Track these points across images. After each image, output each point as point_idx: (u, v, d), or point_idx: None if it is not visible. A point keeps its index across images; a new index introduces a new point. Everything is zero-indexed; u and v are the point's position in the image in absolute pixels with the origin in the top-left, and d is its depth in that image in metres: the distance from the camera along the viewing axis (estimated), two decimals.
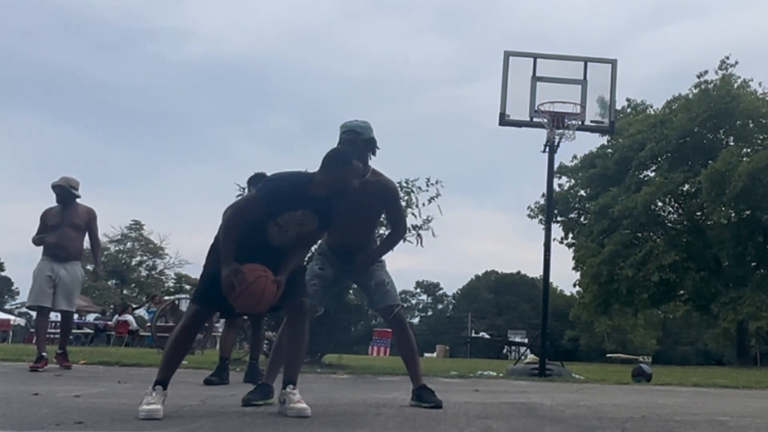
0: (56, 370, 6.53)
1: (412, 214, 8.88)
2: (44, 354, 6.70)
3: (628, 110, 29.37)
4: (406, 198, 8.93)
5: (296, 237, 3.48)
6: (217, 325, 17.56)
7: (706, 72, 26.18)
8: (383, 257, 4.14)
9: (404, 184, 8.97)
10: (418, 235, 8.79)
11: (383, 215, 4.25)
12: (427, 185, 8.91)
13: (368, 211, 4.05)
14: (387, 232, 4.36)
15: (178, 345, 3.44)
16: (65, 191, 7.12)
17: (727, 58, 25.90)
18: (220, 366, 5.83)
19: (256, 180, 5.85)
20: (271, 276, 3.28)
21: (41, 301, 6.90)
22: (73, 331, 22.96)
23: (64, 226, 7.04)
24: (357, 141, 3.89)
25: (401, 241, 4.31)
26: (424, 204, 8.89)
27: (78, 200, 7.20)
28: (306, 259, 7.38)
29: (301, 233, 3.48)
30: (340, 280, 4.17)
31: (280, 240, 3.46)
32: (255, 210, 3.38)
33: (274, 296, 3.30)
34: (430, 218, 8.87)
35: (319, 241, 4.11)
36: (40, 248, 7.10)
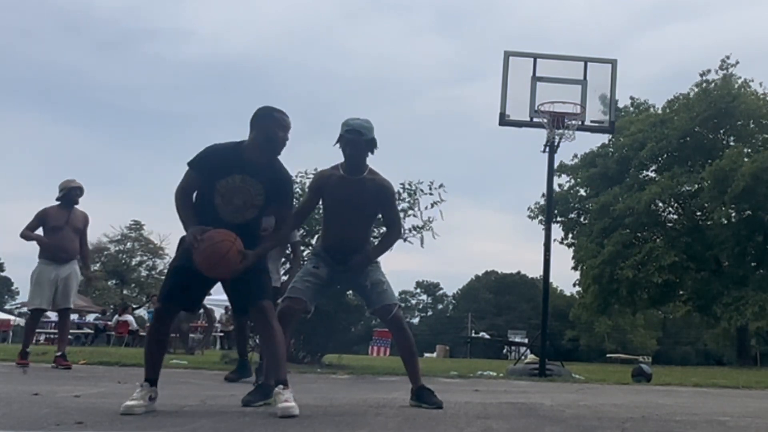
0: (48, 370, 6.54)
1: (414, 215, 8.92)
2: (28, 350, 7.04)
3: (631, 109, 29.36)
4: (409, 200, 8.97)
5: (245, 207, 3.44)
6: (217, 325, 17.65)
7: (708, 71, 26.22)
8: (378, 258, 4.12)
9: (407, 186, 9.01)
10: (420, 235, 8.82)
11: (379, 216, 4.24)
12: (431, 189, 8.94)
13: (364, 210, 4.02)
14: (382, 233, 4.36)
15: (151, 345, 3.47)
16: (82, 194, 7.16)
17: (728, 57, 25.95)
18: (240, 363, 6.29)
19: None
20: (239, 245, 3.29)
21: (42, 304, 6.96)
22: (73, 331, 23.00)
23: (67, 228, 7.02)
24: (360, 141, 3.89)
25: (397, 242, 4.30)
26: (426, 207, 8.94)
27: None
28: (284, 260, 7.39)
29: (247, 202, 3.45)
30: (334, 281, 4.11)
31: (229, 212, 3.43)
32: (192, 178, 3.42)
33: (236, 264, 3.29)
34: (431, 219, 8.90)
35: (315, 243, 4.10)
36: (36, 249, 7.07)
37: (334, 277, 4.03)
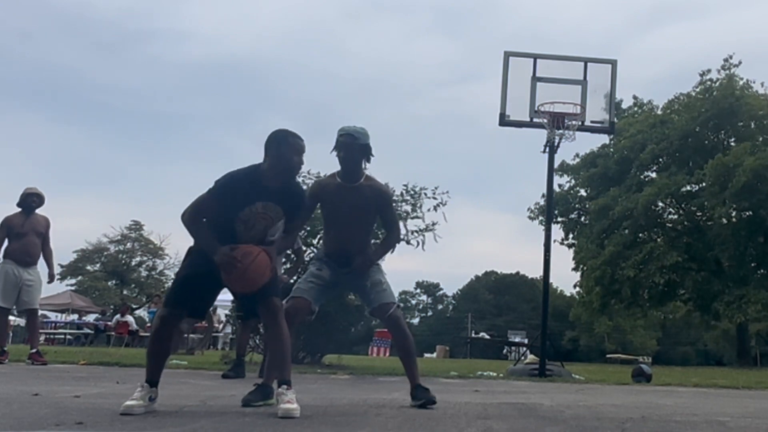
0: (48, 370, 6.54)
1: (417, 217, 8.93)
2: (5, 349, 7.54)
3: (635, 109, 29.33)
4: (412, 203, 8.99)
5: (266, 230, 3.49)
6: (217, 325, 17.65)
7: (708, 71, 26.20)
8: (380, 260, 4.15)
9: (410, 189, 9.02)
10: (422, 237, 8.83)
11: (378, 220, 4.29)
12: (434, 194, 8.94)
13: (361, 216, 4.07)
14: (382, 236, 4.39)
15: (154, 349, 3.47)
16: (42, 200, 7.60)
17: (731, 57, 25.91)
18: (236, 362, 6.63)
19: None
20: (271, 262, 3.36)
21: (5, 303, 7.37)
22: (73, 331, 23.06)
23: (30, 233, 7.45)
24: (354, 144, 3.94)
25: (397, 244, 4.33)
26: (429, 210, 8.94)
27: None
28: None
29: (267, 226, 3.50)
30: (337, 283, 4.15)
31: (250, 237, 3.47)
32: (209, 207, 3.41)
33: (267, 277, 3.34)
34: (434, 222, 8.91)
35: (318, 248, 4.17)
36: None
37: (337, 279, 4.08)
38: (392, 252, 4.25)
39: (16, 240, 7.38)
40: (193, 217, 3.40)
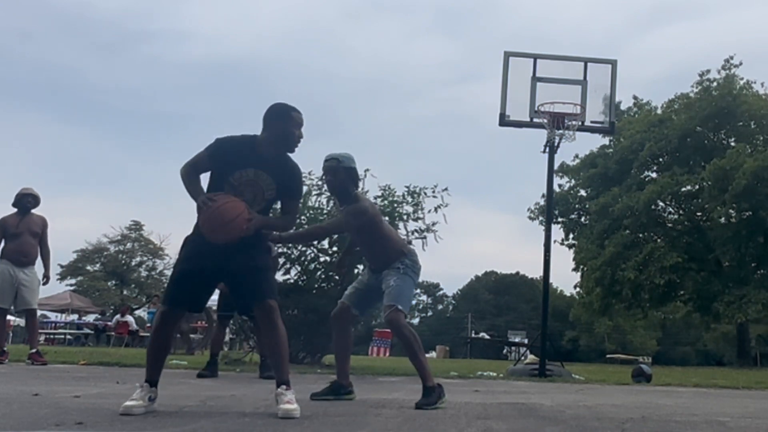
0: (48, 370, 6.54)
1: (419, 218, 8.94)
2: (5, 349, 7.61)
3: (635, 109, 29.33)
4: (414, 204, 8.99)
5: (254, 201, 3.46)
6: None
7: (707, 71, 26.19)
8: (400, 265, 4.19)
9: (411, 191, 9.02)
10: (423, 238, 8.83)
11: (386, 218, 4.41)
12: (434, 193, 8.94)
13: (359, 235, 4.32)
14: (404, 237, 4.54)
15: (155, 347, 3.47)
16: (37, 201, 7.62)
17: (732, 58, 25.89)
18: (210, 361, 6.67)
19: None
20: (247, 214, 3.33)
21: (2, 302, 7.38)
22: (73, 331, 23.07)
23: (25, 233, 7.47)
24: (338, 168, 4.11)
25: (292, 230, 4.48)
26: (429, 211, 8.94)
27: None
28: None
29: (257, 196, 3.48)
30: (374, 288, 4.28)
31: None
32: (203, 162, 3.45)
33: (240, 231, 3.30)
34: (435, 223, 8.91)
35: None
36: None
37: (375, 283, 4.29)
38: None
39: (11, 240, 7.43)
40: (187, 170, 3.46)
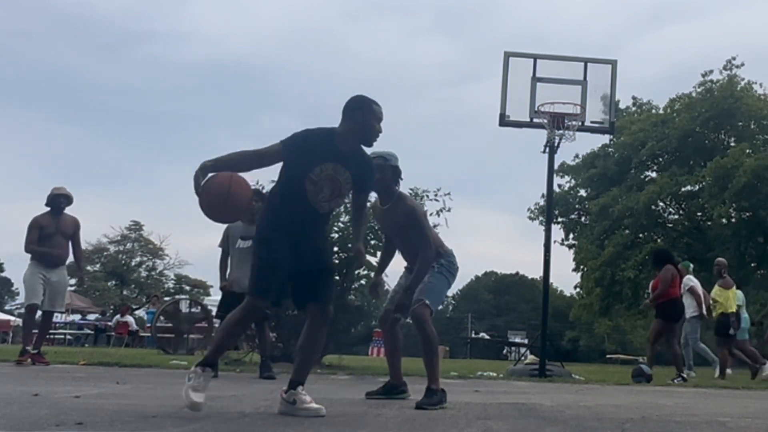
0: (48, 370, 6.54)
1: None
2: (28, 348, 7.35)
3: (634, 109, 29.32)
4: None
5: (332, 196, 3.42)
6: (217, 325, 17.63)
7: (710, 71, 26.19)
8: (436, 265, 4.28)
9: (413, 193, 9.00)
10: None
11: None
12: (436, 196, 8.91)
13: (399, 234, 4.35)
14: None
15: (228, 334, 3.50)
16: (70, 201, 7.52)
17: (734, 58, 25.89)
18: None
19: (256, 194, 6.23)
20: (237, 178, 3.32)
21: (35, 299, 7.27)
22: (73, 331, 23.06)
23: (58, 234, 7.39)
24: (385, 166, 4.14)
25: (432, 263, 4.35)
26: (432, 214, 8.91)
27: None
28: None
29: (335, 192, 3.42)
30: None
31: (319, 200, 3.39)
32: (274, 155, 3.36)
33: (246, 203, 3.37)
34: (437, 225, 8.88)
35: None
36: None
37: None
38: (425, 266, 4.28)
39: (43, 241, 7.33)
40: (251, 157, 3.35)
